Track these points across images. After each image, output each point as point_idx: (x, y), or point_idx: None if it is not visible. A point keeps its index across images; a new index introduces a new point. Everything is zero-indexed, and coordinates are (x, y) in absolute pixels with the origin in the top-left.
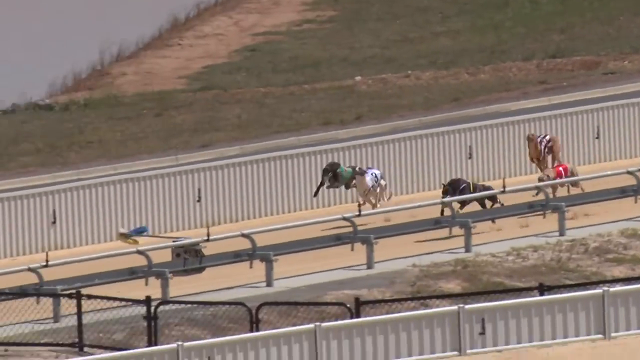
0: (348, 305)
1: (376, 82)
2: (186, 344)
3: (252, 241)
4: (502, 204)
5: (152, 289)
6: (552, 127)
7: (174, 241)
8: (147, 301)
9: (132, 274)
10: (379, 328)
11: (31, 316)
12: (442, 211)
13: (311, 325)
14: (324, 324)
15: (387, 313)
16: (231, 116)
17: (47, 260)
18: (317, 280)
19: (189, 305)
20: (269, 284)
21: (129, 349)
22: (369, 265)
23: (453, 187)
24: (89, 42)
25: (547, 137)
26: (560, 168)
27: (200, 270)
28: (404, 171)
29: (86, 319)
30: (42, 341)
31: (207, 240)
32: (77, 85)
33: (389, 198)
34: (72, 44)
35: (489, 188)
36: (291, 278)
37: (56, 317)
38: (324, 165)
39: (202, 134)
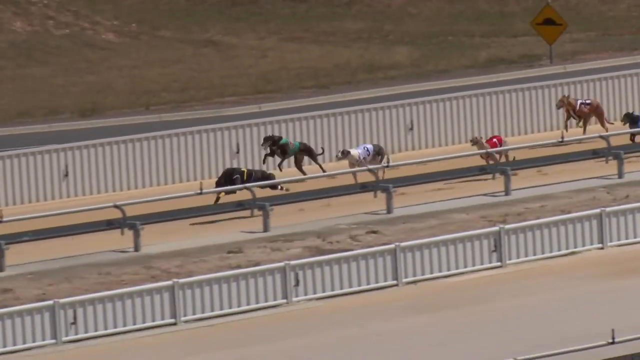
0: None
1: None
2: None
3: None
4: (287, 190)
5: None
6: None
7: None
8: None
9: None
10: None
11: None
12: (217, 199)
13: None
14: None
15: None
16: None
17: None
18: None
19: None
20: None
21: None
22: (136, 248)
23: (225, 177)
24: None
25: (588, 100)
26: (495, 139)
27: None
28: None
29: None
30: None
31: None
32: None
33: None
34: None
35: (269, 176)
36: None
37: None
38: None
39: None
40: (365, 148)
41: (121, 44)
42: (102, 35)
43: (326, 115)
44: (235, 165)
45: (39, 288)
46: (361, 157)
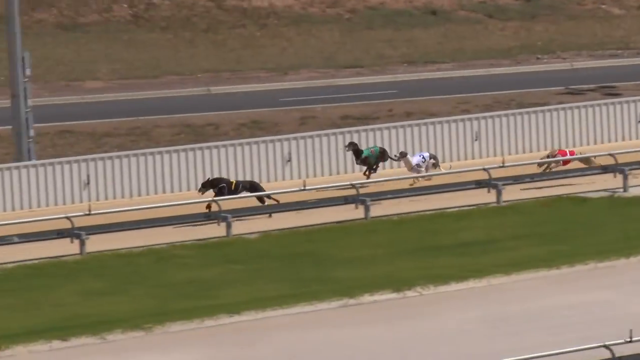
0: None
1: None
2: None
3: None
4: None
5: None
6: None
7: None
8: None
9: None
10: None
11: None
12: (209, 207)
13: None
14: None
15: None
16: None
17: None
18: None
19: None
20: None
21: None
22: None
23: (212, 186)
24: None
25: None
26: (567, 150)
27: None
28: None
29: None
30: None
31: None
32: None
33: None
34: None
35: (256, 186)
36: None
37: None
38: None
39: None
40: (422, 156)
41: None
42: None
43: None
44: None
45: None
46: (414, 164)
